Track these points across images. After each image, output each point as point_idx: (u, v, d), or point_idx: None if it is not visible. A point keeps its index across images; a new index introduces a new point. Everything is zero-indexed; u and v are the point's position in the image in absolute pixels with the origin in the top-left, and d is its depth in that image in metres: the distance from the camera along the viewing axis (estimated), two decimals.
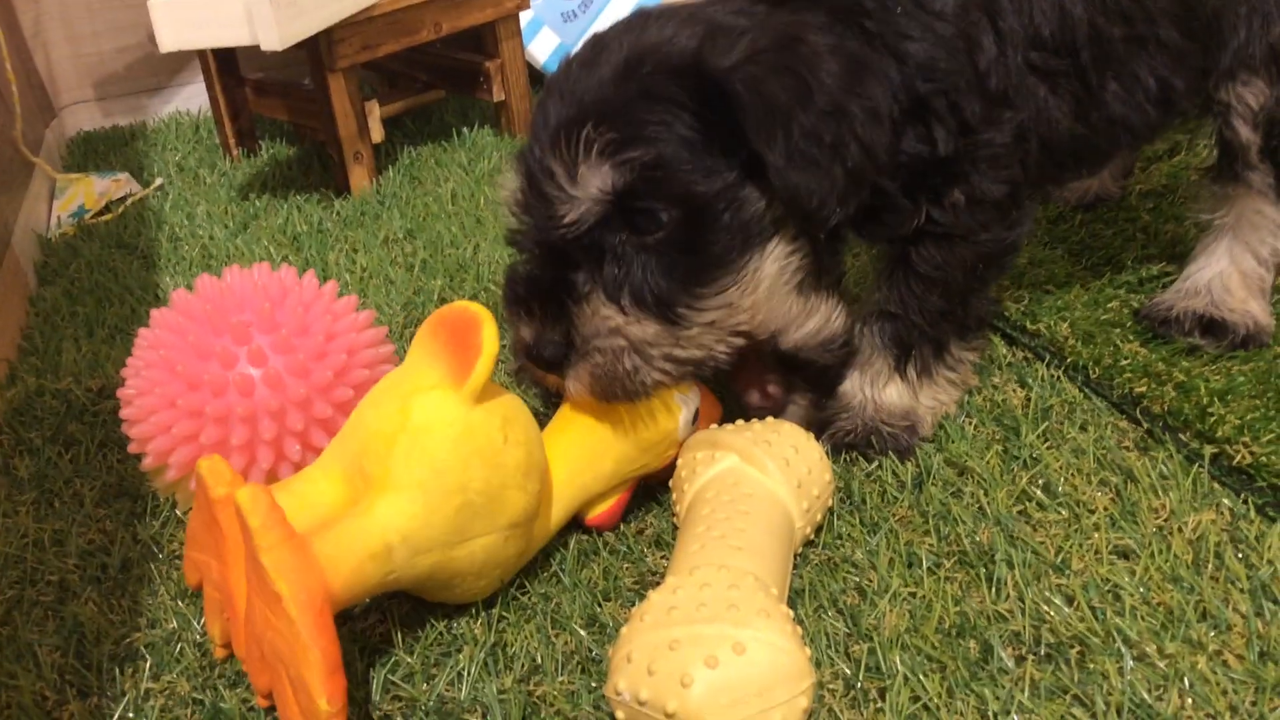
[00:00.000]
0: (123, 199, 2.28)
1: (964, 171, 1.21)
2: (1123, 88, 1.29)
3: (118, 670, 1.12)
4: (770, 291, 1.18)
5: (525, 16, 2.55)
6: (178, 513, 1.33)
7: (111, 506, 1.36)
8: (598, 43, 1.17)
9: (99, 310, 1.83)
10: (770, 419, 1.25)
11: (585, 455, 1.18)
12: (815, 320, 1.23)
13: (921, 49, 1.15)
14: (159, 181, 2.35)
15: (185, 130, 2.69)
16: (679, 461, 1.23)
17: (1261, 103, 1.40)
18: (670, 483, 1.24)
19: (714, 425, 1.26)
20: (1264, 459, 1.21)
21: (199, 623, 1.16)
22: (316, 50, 2.04)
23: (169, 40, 1.87)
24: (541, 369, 1.18)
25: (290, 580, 0.90)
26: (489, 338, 1.05)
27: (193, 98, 2.84)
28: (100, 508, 1.36)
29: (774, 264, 1.17)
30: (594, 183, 1.10)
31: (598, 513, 1.22)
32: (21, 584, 1.25)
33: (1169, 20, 1.28)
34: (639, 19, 1.18)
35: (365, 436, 1.07)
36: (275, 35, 1.80)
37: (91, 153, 2.61)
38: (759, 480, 1.15)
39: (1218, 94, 1.41)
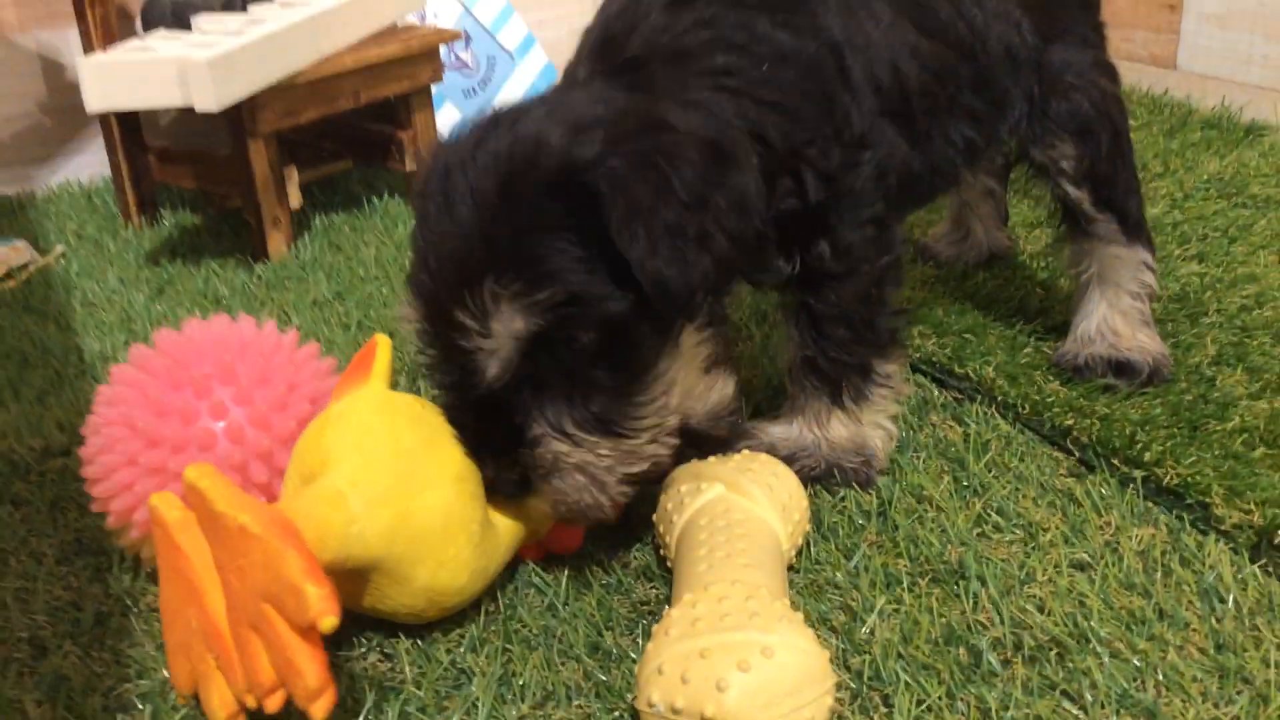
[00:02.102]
0: (24, 266, 2.21)
1: (834, 216, 1.31)
2: (941, 137, 1.44)
3: None
4: (688, 380, 1.21)
5: None
6: (145, 570, 1.30)
7: (74, 564, 1.32)
8: (469, 144, 1.14)
9: (21, 374, 1.78)
10: (745, 450, 1.32)
11: None
12: (715, 393, 1.27)
13: (790, 101, 1.24)
14: (60, 249, 2.29)
15: (78, 199, 2.63)
16: (662, 495, 1.28)
17: (1073, 165, 1.57)
18: (654, 517, 1.29)
19: (694, 458, 1.32)
20: (1190, 479, 1.33)
21: None
22: (238, 116, 2.04)
23: (96, 101, 1.86)
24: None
25: (250, 511, 0.96)
26: (381, 341, 1.21)
27: (82, 167, 2.78)
28: (62, 565, 1.32)
29: (688, 352, 1.20)
30: (508, 331, 1.08)
31: (550, 525, 1.25)
32: None
33: (970, 89, 1.45)
34: (505, 114, 1.16)
35: (299, 457, 1.15)
36: (211, 97, 1.81)
37: None
38: (748, 506, 1.21)
39: (1034, 155, 1.59)
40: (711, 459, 1.29)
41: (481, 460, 1.16)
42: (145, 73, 1.84)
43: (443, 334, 1.12)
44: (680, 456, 1.27)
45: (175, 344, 1.29)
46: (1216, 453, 1.38)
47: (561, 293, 1.07)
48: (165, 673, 1.14)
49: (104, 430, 1.24)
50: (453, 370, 1.14)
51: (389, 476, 1.08)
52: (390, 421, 1.13)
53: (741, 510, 1.20)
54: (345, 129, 2.49)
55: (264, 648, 0.97)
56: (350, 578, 1.09)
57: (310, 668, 0.94)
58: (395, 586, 1.11)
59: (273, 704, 0.99)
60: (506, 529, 1.20)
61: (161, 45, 1.94)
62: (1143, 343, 1.60)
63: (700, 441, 1.29)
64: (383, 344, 1.22)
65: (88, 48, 2.27)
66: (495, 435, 1.15)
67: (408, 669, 1.14)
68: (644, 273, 1.06)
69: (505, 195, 1.09)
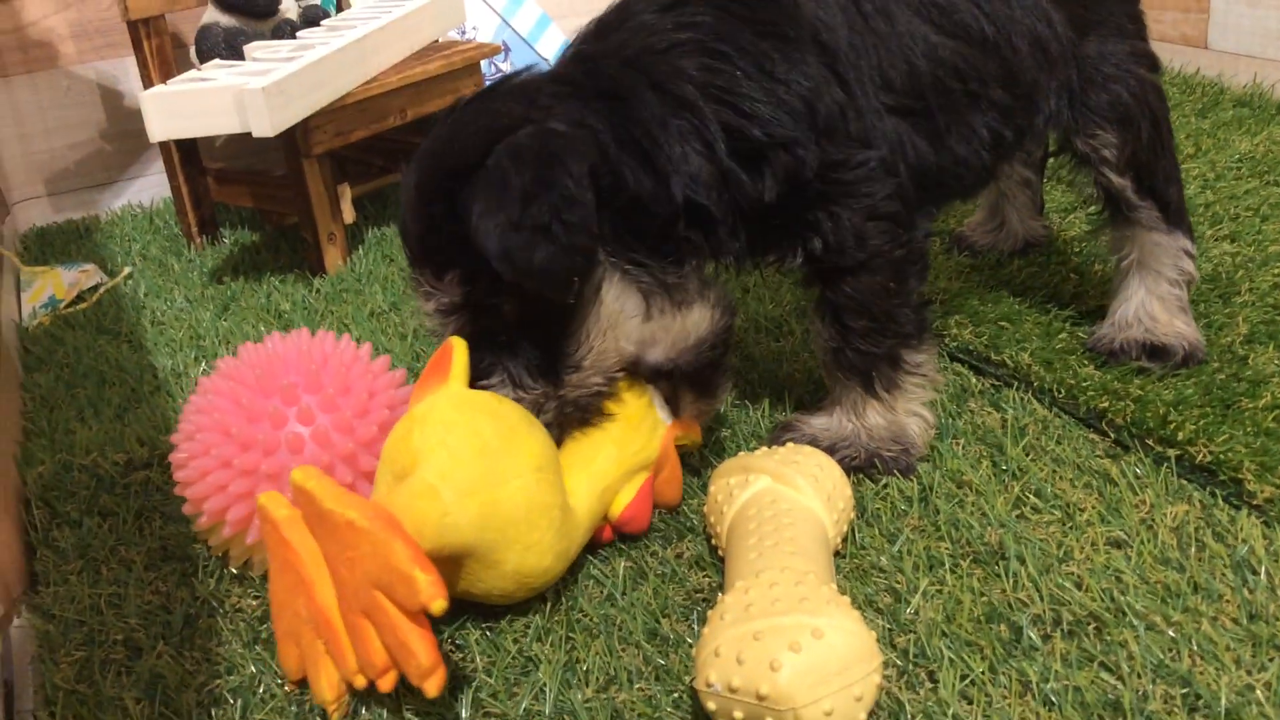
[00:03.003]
0: (94, 288, 2.31)
1: (822, 212, 1.38)
2: (962, 134, 1.48)
3: (207, 715, 1.17)
4: (622, 329, 1.31)
5: None
6: (231, 569, 1.39)
7: (161, 570, 1.41)
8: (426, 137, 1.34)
9: (100, 392, 1.87)
10: (790, 444, 1.38)
11: (584, 445, 1.32)
12: (673, 334, 1.34)
13: (756, 109, 1.31)
14: (128, 270, 2.39)
15: (140, 221, 2.73)
16: (713, 488, 1.34)
17: (1115, 154, 1.61)
18: (704, 509, 1.35)
19: (742, 452, 1.39)
20: (1222, 456, 1.37)
21: (278, 666, 1.22)
22: (292, 138, 2.13)
23: (158, 130, 1.95)
24: None
25: (355, 505, 1.04)
26: (459, 344, 1.26)
27: (143, 190, 2.89)
28: (150, 571, 1.41)
29: (613, 307, 1.29)
30: (438, 304, 1.30)
31: (622, 508, 1.32)
32: (89, 645, 1.29)
33: (997, 84, 1.49)
34: (451, 111, 1.33)
35: (390, 457, 1.21)
36: (267, 123, 1.89)
37: (48, 246, 2.63)
38: (794, 497, 1.27)
39: (1076, 145, 1.63)
40: (759, 452, 1.35)
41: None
42: (203, 102, 1.93)
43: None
44: (674, 399, 1.39)
45: (261, 356, 1.38)
46: (1248, 430, 1.42)
47: (465, 273, 1.26)
48: (253, 669, 1.23)
49: (198, 436, 1.32)
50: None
51: (475, 469, 1.16)
52: (471, 418, 1.20)
53: (788, 500, 1.26)
54: (393, 143, 2.58)
55: (376, 632, 1.06)
56: (445, 565, 1.16)
57: (422, 648, 1.03)
58: (486, 571, 1.19)
59: (385, 684, 1.09)
60: (584, 513, 1.27)
61: (217, 75, 2.03)
62: (1179, 329, 1.64)
63: (672, 374, 1.37)
64: (458, 346, 1.28)
65: (145, 77, 2.37)
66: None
67: (478, 658, 1.21)
68: (495, 262, 1.20)
69: (418, 196, 1.29)
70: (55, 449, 1.70)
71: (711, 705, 1.05)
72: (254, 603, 1.34)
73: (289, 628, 1.14)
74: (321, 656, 1.12)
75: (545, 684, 1.17)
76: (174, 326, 2.11)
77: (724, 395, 1.43)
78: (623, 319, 1.30)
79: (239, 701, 1.19)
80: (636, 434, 1.33)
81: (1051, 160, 1.91)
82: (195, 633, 1.30)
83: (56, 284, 2.28)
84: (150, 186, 2.89)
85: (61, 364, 2.01)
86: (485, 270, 1.22)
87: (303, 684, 1.18)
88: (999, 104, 1.50)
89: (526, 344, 1.30)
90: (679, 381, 1.37)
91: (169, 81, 2.04)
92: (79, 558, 1.45)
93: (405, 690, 1.17)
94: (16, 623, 1.39)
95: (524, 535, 1.18)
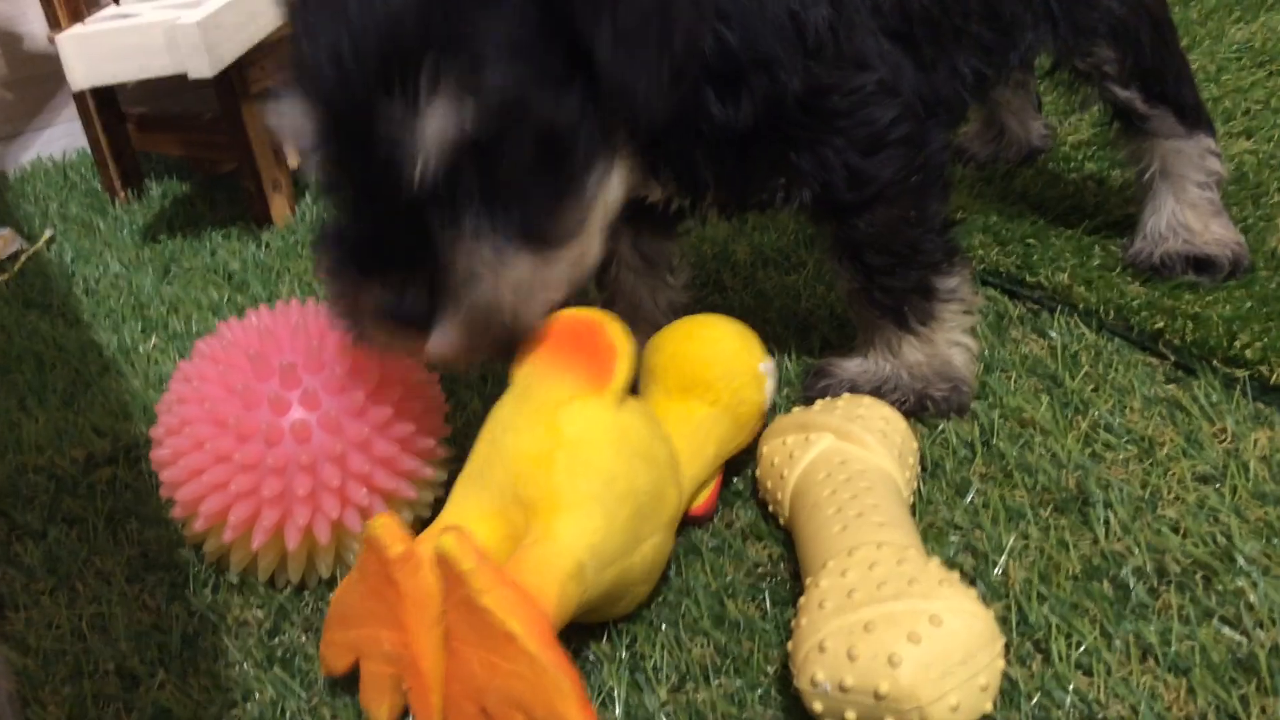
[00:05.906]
0: (14, 256, 2.09)
1: (831, 142, 1.22)
2: (949, 69, 1.34)
3: None
4: (610, 218, 1.11)
5: None
6: (230, 578, 1.23)
7: (146, 581, 1.25)
8: None
9: (40, 377, 1.68)
10: (847, 395, 1.26)
11: (690, 444, 1.16)
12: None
13: (738, 18, 1.12)
14: (49, 233, 2.17)
15: (54, 176, 2.49)
16: (765, 449, 1.22)
17: (1116, 68, 1.50)
18: (757, 473, 1.23)
19: (796, 407, 1.26)
20: None
21: (302, 688, 1.08)
22: (226, 77, 1.92)
23: (81, 77, 1.73)
24: (399, 330, 1.03)
25: (520, 617, 0.86)
26: (619, 337, 1.04)
27: (53, 141, 2.64)
28: (134, 584, 1.25)
29: (617, 190, 1.10)
30: (442, 129, 0.93)
31: (700, 502, 1.20)
32: (77, 678, 1.13)
33: (979, 19, 1.35)
34: None
35: (511, 463, 1.02)
36: (205, 61, 1.68)
37: None
38: (864, 456, 1.15)
39: (1076, 65, 1.51)
40: (816, 406, 1.23)
41: (378, 276, 1.01)
42: (130, 41, 1.71)
43: (354, 135, 0.95)
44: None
45: (250, 334, 1.21)
46: None
47: (503, 85, 0.94)
48: (273, 692, 1.08)
49: (185, 430, 1.15)
50: (358, 182, 0.99)
51: (622, 538, 1.00)
52: (630, 466, 1.02)
53: (859, 461, 1.14)
54: None
55: None
56: None
57: None
58: (593, 614, 1.06)
59: None
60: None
61: (141, 9, 1.81)
62: (1218, 234, 1.54)
63: None
64: (618, 333, 1.06)
65: (50, 16, 2.12)
66: (400, 254, 1.00)
67: None
68: (607, 66, 0.96)
69: None
70: (2, 448, 1.50)
71: (818, 706, 0.93)
72: (259, 614, 1.19)
73: (356, 637, 1.00)
74: (391, 685, 0.98)
75: (612, 687, 1.04)
76: (111, 295, 1.90)
77: None
78: (614, 210, 1.11)
79: None
80: (740, 432, 1.22)
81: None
82: (197, 654, 1.15)
83: None
84: (60, 136, 2.64)
85: None
86: (524, 80, 0.95)
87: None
88: (981, 40, 1.36)
89: (513, 203, 1.00)
90: None
91: (87, 21, 1.82)
92: (49, 574, 1.28)
93: None
94: None
95: (634, 591, 1.06)
